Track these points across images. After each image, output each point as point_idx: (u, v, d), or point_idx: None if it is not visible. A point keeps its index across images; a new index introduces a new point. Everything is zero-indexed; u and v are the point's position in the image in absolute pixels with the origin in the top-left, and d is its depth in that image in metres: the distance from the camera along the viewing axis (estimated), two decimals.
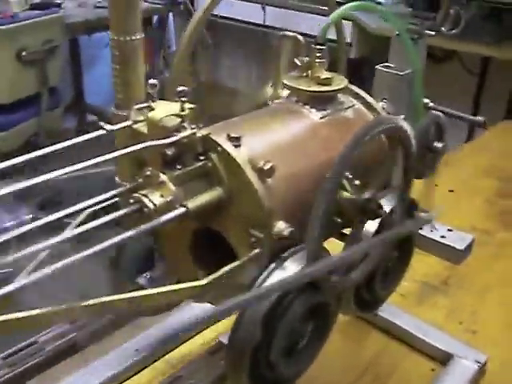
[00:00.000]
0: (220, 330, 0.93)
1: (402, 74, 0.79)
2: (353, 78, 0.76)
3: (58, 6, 2.66)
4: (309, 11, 2.75)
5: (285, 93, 0.73)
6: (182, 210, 0.55)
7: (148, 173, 0.57)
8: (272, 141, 0.63)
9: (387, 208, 0.66)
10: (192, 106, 0.58)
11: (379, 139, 0.69)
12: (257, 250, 0.58)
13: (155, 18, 3.46)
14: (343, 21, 0.80)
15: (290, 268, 0.58)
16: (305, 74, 0.70)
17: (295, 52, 0.73)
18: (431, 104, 0.82)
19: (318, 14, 2.66)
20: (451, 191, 1.43)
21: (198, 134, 0.57)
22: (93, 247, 0.52)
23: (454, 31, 2.43)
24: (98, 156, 0.54)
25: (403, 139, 0.64)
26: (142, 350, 0.88)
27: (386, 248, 0.68)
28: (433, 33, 0.82)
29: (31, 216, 2.18)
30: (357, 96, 0.74)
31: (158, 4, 3.20)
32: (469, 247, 0.88)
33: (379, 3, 0.90)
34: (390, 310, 0.97)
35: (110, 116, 0.62)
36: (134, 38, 0.58)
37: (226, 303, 0.43)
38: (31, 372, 0.64)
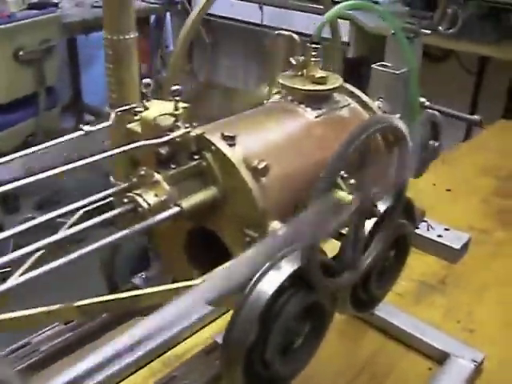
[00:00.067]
0: (216, 330, 0.93)
1: (398, 72, 0.79)
2: (351, 77, 0.76)
3: (55, 5, 2.66)
4: (306, 10, 2.75)
5: (280, 92, 0.73)
6: (176, 209, 0.55)
7: (142, 172, 0.57)
8: (267, 140, 0.63)
9: (383, 207, 0.66)
10: (186, 105, 0.58)
11: (375, 138, 0.69)
12: None
13: (152, 17, 3.46)
14: (341, 20, 0.79)
15: (285, 267, 0.58)
16: (300, 73, 0.70)
17: (290, 51, 0.73)
18: (427, 103, 0.82)
19: (314, 13, 2.66)
20: (449, 190, 1.43)
21: (192, 133, 0.57)
22: (87, 247, 0.51)
23: (451, 30, 2.43)
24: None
25: (399, 138, 0.64)
26: (137, 350, 0.87)
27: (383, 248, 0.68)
28: (428, 32, 0.82)
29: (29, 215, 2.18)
30: (352, 95, 0.74)
31: (156, 3, 3.20)
32: (465, 246, 0.88)
33: (376, 2, 0.90)
34: (387, 310, 0.97)
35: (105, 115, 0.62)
36: (127, 36, 0.58)
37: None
38: (25, 373, 0.64)
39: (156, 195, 0.55)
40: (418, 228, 0.85)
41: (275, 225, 0.57)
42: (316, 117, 0.68)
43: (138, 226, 0.53)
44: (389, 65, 0.81)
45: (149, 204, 0.54)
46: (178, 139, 0.56)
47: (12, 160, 0.57)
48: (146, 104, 0.58)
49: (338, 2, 0.70)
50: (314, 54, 0.69)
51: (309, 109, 0.68)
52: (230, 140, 0.58)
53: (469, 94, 2.90)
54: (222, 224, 0.60)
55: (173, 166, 0.57)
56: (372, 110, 0.73)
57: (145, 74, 3.23)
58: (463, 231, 0.93)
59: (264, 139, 0.63)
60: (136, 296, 0.51)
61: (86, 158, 0.54)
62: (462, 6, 2.38)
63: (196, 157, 0.58)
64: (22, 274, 0.51)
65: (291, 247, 0.59)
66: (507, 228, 1.29)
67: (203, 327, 0.96)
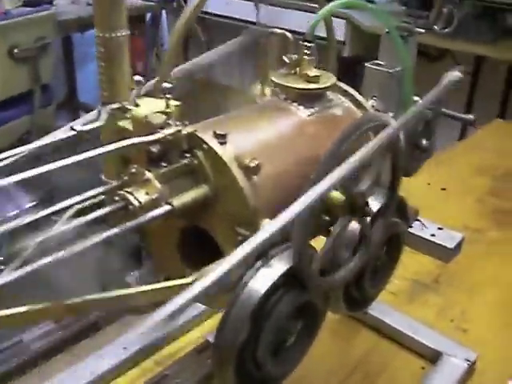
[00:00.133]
0: (208, 329, 0.93)
1: (391, 71, 0.79)
2: (346, 76, 0.76)
3: (50, 2, 2.65)
4: (301, 9, 2.74)
5: (273, 90, 0.72)
6: (168, 207, 0.55)
7: (133, 170, 0.56)
8: (259, 138, 0.63)
9: (376, 206, 0.66)
10: (177, 103, 0.57)
11: (367, 137, 0.69)
12: None
13: (148, 15, 3.45)
14: (337, 19, 0.79)
15: (277, 266, 0.58)
16: (293, 72, 0.70)
17: (284, 49, 0.73)
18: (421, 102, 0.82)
19: (310, 11, 2.65)
20: (443, 189, 1.43)
21: (184, 132, 0.57)
22: (78, 244, 0.51)
23: (446, 30, 2.43)
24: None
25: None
26: (130, 349, 0.87)
27: (376, 246, 0.67)
28: (422, 30, 0.81)
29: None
30: (346, 93, 0.74)
31: (151, 1, 3.18)
32: (459, 246, 0.88)
33: (371, 1, 0.90)
34: (381, 309, 0.97)
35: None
36: (119, 34, 0.57)
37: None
38: (17, 371, 0.64)
39: (147, 193, 0.55)
40: (411, 227, 0.85)
41: (267, 223, 0.57)
42: (309, 115, 0.67)
43: (128, 223, 0.53)
44: (383, 63, 0.81)
45: (140, 202, 0.54)
46: (169, 137, 0.56)
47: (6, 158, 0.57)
48: (138, 101, 0.58)
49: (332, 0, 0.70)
50: (307, 52, 0.69)
51: (302, 107, 0.68)
52: (222, 138, 0.57)
53: (464, 94, 2.90)
54: (213, 222, 0.60)
55: (164, 164, 0.57)
56: (365, 109, 0.72)
57: (141, 72, 3.22)
58: (457, 230, 0.93)
59: (256, 137, 0.63)
60: (127, 295, 0.51)
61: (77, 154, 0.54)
62: (457, 6, 2.38)
63: (187, 155, 0.58)
64: (12, 271, 0.50)
65: (283, 246, 0.59)
66: (502, 228, 1.30)
67: (195, 326, 0.96)
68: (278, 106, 0.69)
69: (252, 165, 0.56)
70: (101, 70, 0.59)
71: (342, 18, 2.61)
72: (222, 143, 0.57)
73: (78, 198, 0.58)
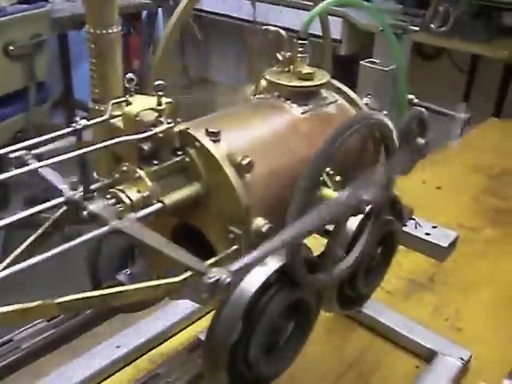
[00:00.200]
0: (203, 328, 0.93)
1: (386, 69, 0.79)
2: (343, 74, 0.75)
3: (46, 0, 2.64)
4: (299, 7, 2.74)
5: (266, 88, 0.72)
6: (159, 205, 0.55)
7: (125, 168, 0.56)
8: (252, 136, 0.63)
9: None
10: (169, 100, 0.57)
11: (362, 135, 0.69)
12: (235, 247, 0.57)
13: (144, 13, 3.44)
14: (334, 17, 0.79)
15: (269, 264, 0.58)
16: (286, 69, 0.69)
17: (278, 47, 0.72)
18: (416, 100, 0.81)
19: (307, 10, 2.65)
20: (438, 188, 1.43)
21: (176, 129, 0.57)
22: (69, 242, 0.51)
23: (443, 28, 2.43)
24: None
25: (385, 135, 0.64)
26: (123, 347, 0.87)
27: (370, 245, 0.67)
28: (417, 28, 0.81)
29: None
30: (340, 91, 0.73)
31: None
32: (453, 244, 0.88)
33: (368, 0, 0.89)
34: (375, 307, 0.97)
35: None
36: (110, 31, 0.57)
37: None
38: (7, 370, 0.63)
39: (138, 191, 0.55)
40: (405, 226, 0.85)
41: (259, 221, 0.57)
42: (302, 113, 0.67)
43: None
44: (377, 61, 0.80)
45: (131, 200, 0.54)
46: (160, 135, 0.56)
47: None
48: (130, 99, 0.58)
49: None
50: (300, 49, 0.68)
51: (295, 105, 0.67)
52: (214, 136, 0.57)
53: (460, 92, 2.91)
54: (205, 220, 0.60)
55: (155, 162, 0.56)
56: (359, 107, 0.72)
57: (137, 69, 3.22)
58: (452, 229, 0.92)
59: (249, 135, 0.62)
60: (118, 292, 0.50)
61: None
62: (453, 4, 2.38)
63: (179, 153, 0.58)
64: (3, 269, 0.50)
65: (275, 245, 0.58)
66: (497, 226, 1.29)
67: (189, 325, 0.96)
68: (271, 104, 0.68)
69: (244, 163, 0.56)
70: (92, 66, 0.59)
71: (338, 17, 2.61)
72: (214, 141, 0.57)
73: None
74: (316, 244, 0.65)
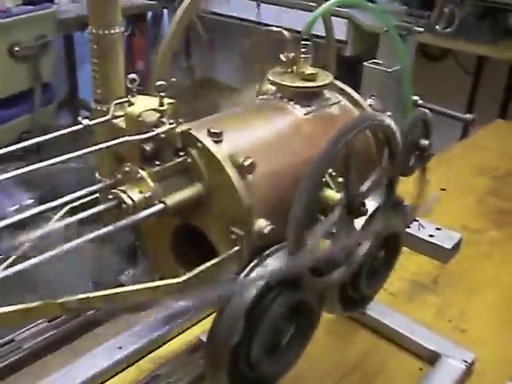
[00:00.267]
0: (207, 328, 0.92)
1: (390, 70, 0.79)
2: (347, 75, 0.75)
3: (51, 1, 2.65)
4: (303, 8, 2.73)
5: (270, 89, 0.72)
6: (161, 206, 0.55)
7: (127, 169, 0.56)
8: (254, 137, 0.62)
9: (373, 206, 0.65)
10: (171, 100, 0.57)
11: (365, 136, 0.68)
12: (237, 248, 0.57)
13: (149, 14, 3.45)
14: (339, 18, 0.79)
15: (272, 266, 0.57)
16: (290, 70, 0.69)
17: (281, 47, 0.72)
18: (420, 101, 0.81)
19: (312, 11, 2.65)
20: (443, 190, 1.42)
21: (178, 130, 0.56)
22: (71, 242, 0.51)
23: (448, 30, 2.42)
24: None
25: (388, 136, 0.64)
26: (125, 348, 0.87)
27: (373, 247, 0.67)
28: (421, 29, 0.81)
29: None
30: (343, 92, 0.73)
31: (153, 0, 3.18)
32: (457, 246, 0.88)
33: (371, 0, 0.89)
34: (379, 309, 0.96)
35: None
36: (113, 31, 0.57)
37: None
38: (8, 370, 0.63)
39: (140, 192, 0.55)
40: (409, 227, 0.84)
41: (261, 223, 0.57)
42: (305, 114, 0.67)
43: (121, 222, 0.52)
44: (381, 62, 0.80)
45: (133, 200, 0.54)
46: (162, 135, 0.56)
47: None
48: (132, 99, 0.58)
49: None
50: (303, 50, 0.68)
51: (298, 106, 0.67)
52: (216, 137, 0.57)
53: (466, 94, 2.90)
54: (207, 221, 0.60)
55: (157, 163, 0.56)
56: (363, 108, 0.72)
57: (141, 70, 3.22)
58: (457, 231, 0.92)
59: (251, 136, 0.62)
60: (119, 293, 0.50)
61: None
62: (458, 6, 2.37)
63: (181, 153, 0.57)
64: (5, 269, 0.50)
65: (278, 246, 0.58)
66: (501, 228, 1.29)
67: (193, 325, 0.96)
68: (274, 105, 0.68)
69: (246, 164, 0.56)
70: (94, 67, 0.59)
71: (343, 18, 2.61)
72: (216, 142, 0.57)
73: (72, 196, 0.58)
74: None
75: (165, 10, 3.42)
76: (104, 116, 0.58)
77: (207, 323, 0.92)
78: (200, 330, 0.94)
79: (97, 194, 0.59)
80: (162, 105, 0.56)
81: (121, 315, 0.72)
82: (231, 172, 0.56)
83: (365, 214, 0.62)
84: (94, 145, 0.53)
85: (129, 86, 0.58)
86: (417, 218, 0.87)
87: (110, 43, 0.57)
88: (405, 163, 0.72)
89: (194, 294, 0.53)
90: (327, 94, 0.71)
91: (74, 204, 0.59)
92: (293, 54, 0.69)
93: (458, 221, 1.26)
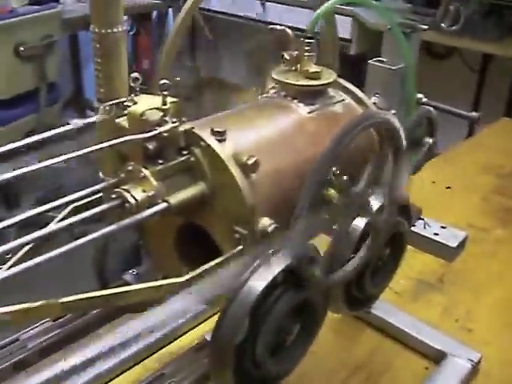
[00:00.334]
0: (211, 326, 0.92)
1: (394, 68, 0.78)
2: (352, 74, 0.75)
3: (57, 1, 2.66)
4: (308, 7, 2.73)
5: (273, 87, 0.72)
6: (164, 205, 0.55)
7: (130, 168, 0.56)
8: (258, 136, 0.62)
9: (376, 205, 0.65)
10: (174, 99, 0.57)
11: (369, 134, 0.68)
12: (241, 247, 0.57)
13: (154, 13, 3.46)
14: (343, 17, 0.79)
15: (276, 264, 0.57)
16: (293, 68, 0.69)
17: (286, 46, 0.72)
18: (424, 99, 0.81)
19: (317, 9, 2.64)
20: (448, 188, 1.42)
21: (181, 129, 0.56)
22: (75, 241, 0.51)
23: (453, 28, 2.41)
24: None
25: (392, 134, 0.63)
26: (130, 347, 0.87)
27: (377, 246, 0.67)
28: (425, 26, 0.80)
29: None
30: (347, 91, 0.73)
31: None
32: (462, 244, 0.87)
33: None
34: (384, 308, 0.96)
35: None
36: (115, 30, 0.57)
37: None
38: (13, 369, 0.63)
39: (144, 191, 0.54)
40: (414, 226, 0.84)
41: (265, 221, 0.57)
42: (309, 112, 0.67)
43: (124, 221, 0.52)
44: (385, 60, 0.80)
45: (136, 200, 0.54)
46: (165, 134, 0.55)
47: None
48: (135, 98, 0.58)
49: None
50: (307, 48, 0.68)
51: (302, 104, 0.67)
52: (220, 135, 0.57)
53: (471, 92, 2.89)
54: (211, 220, 0.60)
55: (160, 162, 0.56)
56: (367, 106, 0.72)
57: (147, 69, 3.23)
58: (462, 229, 0.91)
59: (255, 135, 0.62)
60: (121, 293, 0.50)
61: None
62: (464, 3, 2.36)
63: (185, 152, 0.57)
64: (9, 268, 0.50)
65: (282, 244, 0.58)
66: (507, 226, 1.28)
67: (199, 324, 0.95)
68: (277, 103, 0.68)
69: (250, 162, 0.56)
70: (97, 66, 0.59)
71: (348, 16, 2.61)
72: (220, 140, 0.57)
73: (76, 195, 0.58)
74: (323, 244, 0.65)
75: (170, 9, 3.42)
76: (108, 115, 0.58)
77: (213, 322, 0.93)
78: (205, 329, 0.94)
79: (100, 194, 0.59)
80: (165, 104, 0.56)
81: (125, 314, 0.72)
82: (235, 171, 0.56)
83: (370, 213, 0.62)
84: (97, 144, 0.53)
85: (132, 84, 0.58)
86: (422, 217, 0.86)
87: (113, 42, 0.57)
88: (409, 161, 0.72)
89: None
90: (331, 92, 0.71)
91: (78, 203, 0.59)
92: (296, 52, 0.69)
93: (463, 219, 1.25)
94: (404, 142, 0.63)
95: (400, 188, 0.66)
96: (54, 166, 0.54)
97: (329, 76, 0.69)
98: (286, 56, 0.69)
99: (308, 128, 0.66)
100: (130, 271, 0.70)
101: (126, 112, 0.58)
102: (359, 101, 0.72)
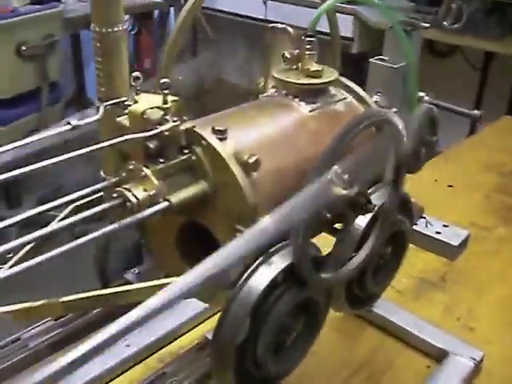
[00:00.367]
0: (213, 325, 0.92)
1: (396, 66, 0.78)
2: (354, 72, 0.75)
3: (58, 0, 2.66)
4: (310, 6, 2.73)
5: (275, 86, 0.72)
6: (165, 204, 0.54)
7: (131, 167, 0.56)
8: (259, 134, 0.62)
9: (378, 203, 0.65)
10: (175, 98, 0.57)
11: (370, 133, 0.68)
12: None
13: (156, 12, 3.46)
14: (345, 15, 0.79)
15: (277, 263, 0.57)
16: (295, 67, 0.69)
17: (287, 44, 0.72)
18: (426, 97, 0.81)
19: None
20: (450, 186, 1.42)
21: (182, 127, 0.56)
22: (76, 240, 0.51)
23: (456, 26, 2.41)
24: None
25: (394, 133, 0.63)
26: (133, 346, 0.87)
27: (379, 244, 0.66)
28: (427, 24, 0.80)
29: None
30: (349, 89, 0.73)
31: None
32: (464, 243, 0.87)
33: None
34: (386, 307, 0.96)
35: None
36: (116, 29, 0.57)
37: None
38: (15, 369, 0.64)
39: (145, 190, 0.54)
40: (416, 224, 0.84)
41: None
42: (310, 111, 0.67)
43: (125, 220, 0.52)
44: (387, 59, 0.79)
45: (137, 199, 0.54)
46: (166, 133, 0.55)
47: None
48: (136, 97, 0.57)
49: None
50: (308, 47, 0.68)
51: (303, 103, 0.67)
52: (221, 134, 0.57)
53: (473, 90, 2.89)
54: (213, 219, 0.60)
55: (161, 161, 0.56)
56: (368, 105, 0.72)
57: (148, 69, 3.23)
58: (464, 228, 0.91)
59: (256, 133, 0.62)
60: (122, 292, 0.50)
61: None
62: (466, 1, 2.36)
63: (186, 151, 0.57)
64: (10, 267, 0.50)
65: (285, 243, 0.58)
66: (509, 225, 1.28)
67: (200, 324, 0.96)
68: (279, 102, 0.68)
69: (251, 161, 0.56)
70: (97, 65, 0.58)
71: (350, 15, 2.60)
72: (221, 139, 0.57)
73: (77, 194, 0.57)
74: (324, 243, 0.65)
75: (171, 9, 3.42)
76: (108, 114, 0.58)
77: (214, 321, 0.93)
78: (206, 328, 0.94)
79: (101, 193, 0.59)
80: (165, 102, 0.56)
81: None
82: (236, 170, 0.56)
83: (371, 212, 0.62)
84: (98, 142, 0.53)
85: (133, 83, 0.58)
86: (424, 215, 0.86)
87: (114, 41, 0.57)
88: (411, 160, 0.71)
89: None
90: (333, 90, 0.71)
91: (79, 202, 0.59)
92: (297, 51, 0.68)
93: (465, 217, 1.25)
94: (405, 141, 0.63)
95: (402, 186, 0.66)
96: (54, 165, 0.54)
97: (330, 74, 0.69)
98: (287, 54, 0.69)
99: (309, 126, 0.65)
100: (132, 270, 0.70)
101: (126, 111, 0.58)
102: (361, 99, 0.72)
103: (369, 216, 0.66)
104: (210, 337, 0.85)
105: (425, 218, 0.88)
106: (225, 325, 0.55)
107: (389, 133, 0.59)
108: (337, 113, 0.69)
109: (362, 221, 0.66)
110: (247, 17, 3.13)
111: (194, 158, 0.57)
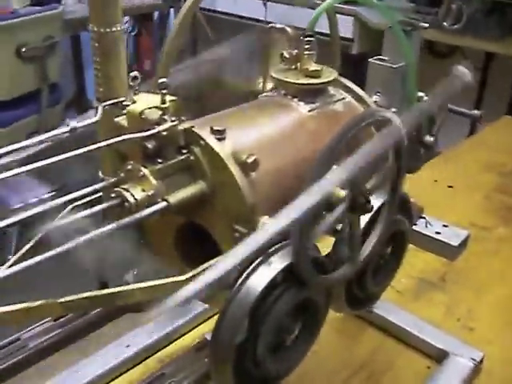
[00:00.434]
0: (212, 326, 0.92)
1: (395, 66, 0.78)
2: (353, 73, 0.75)
3: (58, 1, 2.65)
4: (310, 6, 2.73)
5: (273, 86, 0.71)
6: (164, 204, 0.54)
7: (129, 167, 0.56)
8: (257, 134, 0.62)
9: (377, 204, 0.65)
10: (173, 98, 0.57)
11: (370, 133, 0.68)
12: None
13: (156, 14, 3.45)
14: (345, 16, 0.79)
15: (276, 263, 0.57)
16: (293, 67, 0.69)
17: (285, 44, 0.72)
18: (426, 97, 0.81)
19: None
20: (450, 187, 1.42)
21: (180, 127, 0.56)
22: (75, 240, 0.51)
23: (456, 26, 2.41)
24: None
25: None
26: (132, 347, 0.87)
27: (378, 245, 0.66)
28: (426, 24, 0.80)
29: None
30: (348, 89, 0.73)
31: (159, 0, 3.18)
32: (464, 243, 0.87)
33: None
34: (386, 307, 0.96)
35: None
36: (114, 29, 0.57)
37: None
38: (14, 369, 0.63)
39: (143, 190, 0.54)
40: (415, 225, 0.84)
41: (265, 220, 0.56)
42: (309, 111, 0.66)
43: (123, 220, 0.52)
44: (386, 59, 0.79)
45: (136, 199, 0.54)
46: (164, 133, 0.55)
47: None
48: (134, 97, 0.57)
49: None
50: (307, 47, 0.68)
51: (302, 103, 0.67)
52: (219, 134, 0.57)
53: (474, 90, 2.88)
54: (211, 219, 0.59)
55: (160, 161, 0.56)
56: (367, 105, 0.72)
57: (148, 70, 3.22)
58: (464, 228, 0.91)
59: (255, 133, 0.62)
60: (121, 292, 0.50)
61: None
62: (466, 2, 2.36)
63: (184, 151, 0.57)
64: (9, 267, 0.50)
65: (284, 243, 0.58)
66: (509, 225, 1.28)
67: (199, 324, 0.96)
68: (277, 102, 0.68)
69: (250, 161, 0.55)
70: (96, 65, 0.58)
71: (350, 15, 2.60)
72: (219, 139, 0.57)
73: (74, 195, 0.57)
74: (324, 243, 0.65)
75: (171, 10, 3.42)
76: (106, 115, 0.58)
77: (213, 322, 0.93)
78: (205, 329, 0.94)
79: (99, 193, 0.59)
80: (164, 102, 0.56)
81: (127, 314, 0.72)
82: (234, 170, 0.56)
83: (370, 211, 0.62)
84: (96, 142, 0.53)
85: (131, 83, 0.58)
86: (424, 215, 0.86)
87: (112, 41, 0.57)
88: (410, 160, 0.71)
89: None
90: (332, 90, 0.71)
91: (77, 203, 0.59)
92: (296, 51, 0.68)
93: (465, 218, 1.25)
94: (405, 141, 0.63)
95: (401, 187, 0.66)
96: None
97: (329, 74, 0.69)
98: (286, 54, 0.69)
99: (308, 126, 0.65)
100: (131, 271, 0.69)
101: (125, 111, 0.58)
102: (360, 99, 0.71)
103: (368, 216, 0.66)
104: (209, 338, 0.86)
105: (424, 218, 0.88)
106: (223, 326, 0.55)
107: (388, 132, 0.59)
108: (336, 113, 0.69)
109: (362, 220, 0.65)
110: (247, 18, 3.12)
111: (192, 158, 0.57)
